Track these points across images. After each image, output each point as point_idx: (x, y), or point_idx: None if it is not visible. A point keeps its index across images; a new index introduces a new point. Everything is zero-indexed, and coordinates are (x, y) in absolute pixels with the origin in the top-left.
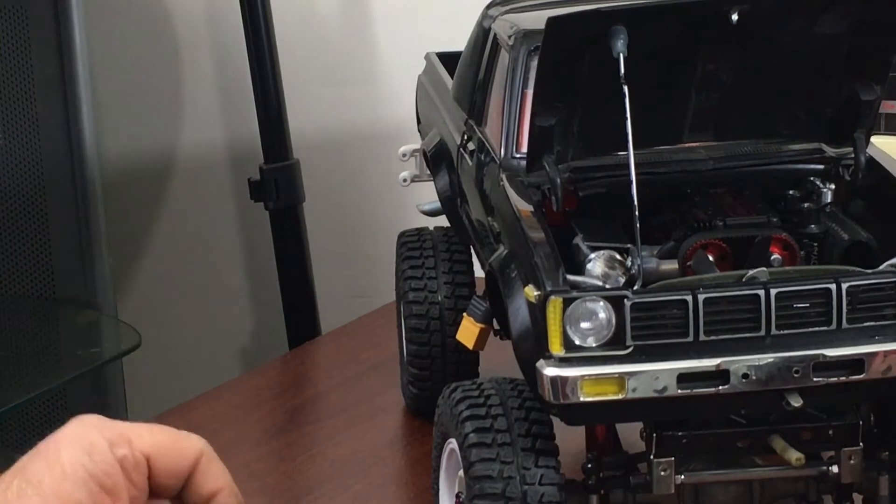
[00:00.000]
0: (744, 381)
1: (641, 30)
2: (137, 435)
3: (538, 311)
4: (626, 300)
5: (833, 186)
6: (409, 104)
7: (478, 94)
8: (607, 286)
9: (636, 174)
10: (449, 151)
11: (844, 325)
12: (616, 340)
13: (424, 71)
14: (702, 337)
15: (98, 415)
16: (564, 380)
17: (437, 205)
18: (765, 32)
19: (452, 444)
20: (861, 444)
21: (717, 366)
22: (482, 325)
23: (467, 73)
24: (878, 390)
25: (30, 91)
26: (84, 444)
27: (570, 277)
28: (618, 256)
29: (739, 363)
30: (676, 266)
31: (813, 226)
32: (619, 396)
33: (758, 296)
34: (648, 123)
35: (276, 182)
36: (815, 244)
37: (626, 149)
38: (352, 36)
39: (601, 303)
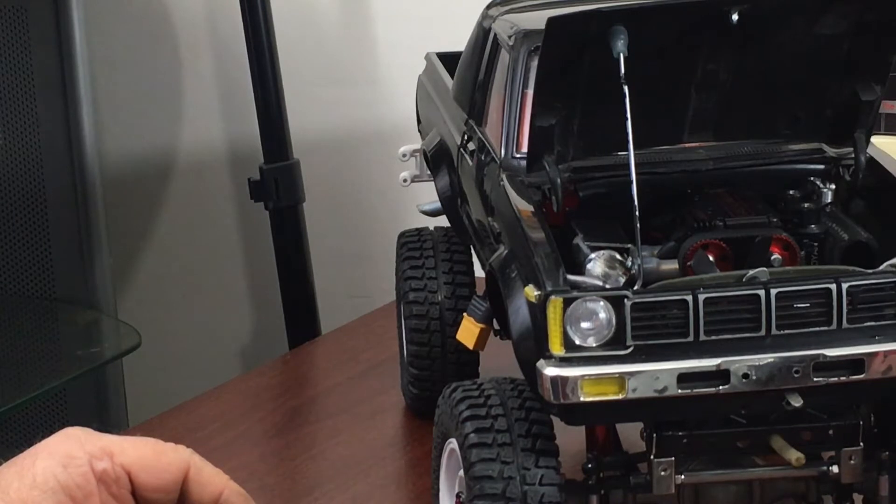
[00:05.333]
0: (744, 381)
1: (641, 30)
2: (120, 449)
3: (538, 311)
4: (626, 300)
5: (833, 186)
6: (409, 104)
7: (478, 95)
8: (607, 286)
9: (636, 174)
10: (449, 151)
11: (845, 325)
12: (616, 340)
13: (424, 71)
14: (702, 337)
15: (85, 427)
16: (565, 380)
17: (437, 205)
18: (765, 32)
19: (452, 444)
20: (861, 444)
21: (718, 366)
22: (482, 325)
23: (467, 73)
24: (878, 390)
25: (30, 91)
26: (62, 455)
27: (571, 277)
28: (618, 256)
29: (740, 363)
30: (676, 266)
31: (813, 226)
32: (620, 396)
33: (758, 296)
34: (648, 123)
35: (276, 182)
36: (816, 244)
37: (627, 149)
38: (352, 36)
39: (601, 303)
